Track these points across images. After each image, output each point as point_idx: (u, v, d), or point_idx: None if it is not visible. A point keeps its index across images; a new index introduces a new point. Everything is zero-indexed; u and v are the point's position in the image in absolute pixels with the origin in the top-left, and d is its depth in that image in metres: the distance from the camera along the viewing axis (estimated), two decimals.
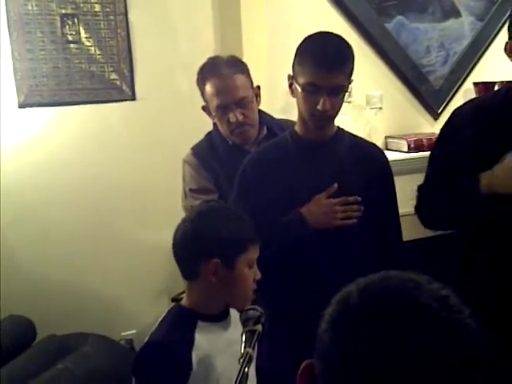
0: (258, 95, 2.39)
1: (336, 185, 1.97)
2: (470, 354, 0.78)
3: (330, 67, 1.88)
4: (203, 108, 2.40)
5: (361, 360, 0.78)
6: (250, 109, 2.32)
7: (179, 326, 1.65)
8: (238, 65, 2.36)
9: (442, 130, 2.23)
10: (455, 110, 2.23)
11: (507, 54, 2.04)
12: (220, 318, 1.71)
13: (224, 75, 2.30)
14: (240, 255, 1.65)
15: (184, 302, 1.71)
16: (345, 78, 1.93)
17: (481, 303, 2.04)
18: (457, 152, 2.07)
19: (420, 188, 2.22)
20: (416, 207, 2.22)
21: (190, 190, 2.39)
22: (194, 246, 1.65)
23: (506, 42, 2.03)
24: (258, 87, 2.40)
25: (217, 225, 1.65)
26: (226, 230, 1.64)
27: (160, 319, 1.70)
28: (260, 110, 2.43)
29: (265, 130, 2.40)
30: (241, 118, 2.28)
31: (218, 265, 1.62)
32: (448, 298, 0.82)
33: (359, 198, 1.98)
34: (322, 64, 1.87)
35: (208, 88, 2.32)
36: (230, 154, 2.34)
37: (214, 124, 2.41)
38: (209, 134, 2.47)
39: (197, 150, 2.44)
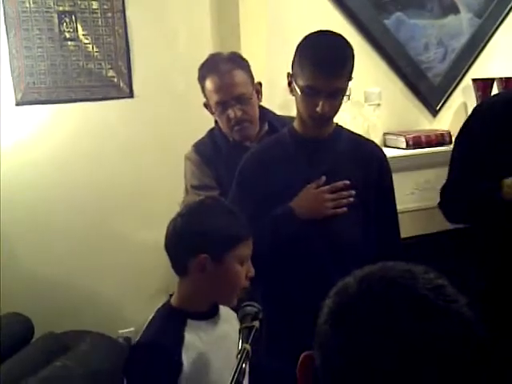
0: (259, 92, 2.39)
1: (324, 177, 1.97)
2: (465, 341, 0.80)
3: (330, 72, 1.87)
4: (205, 105, 2.41)
5: (361, 350, 0.79)
6: (249, 105, 2.32)
7: (168, 325, 1.65)
8: (237, 61, 2.36)
9: (465, 125, 2.22)
10: (478, 105, 2.22)
11: None
12: (209, 315, 1.71)
13: (223, 71, 2.30)
14: (229, 251, 1.64)
15: (173, 299, 1.71)
16: (344, 80, 1.93)
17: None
18: (481, 151, 2.07)
19: (444, 188, 2.25)
20: (439, 204, 2.27)
21: (192, 186, 2.40)
22: (183, 241, 1.66)
23: None
24: (260, 84, 2.40)
25: (206, 220, 1.65)
26: (215, 226, 1.64)
27: (149, 318, 1.70)
28: (262, 107, 2.43)
29: (266, 127, 2.40)
30: (240, 114, 2.29)
31: (206, 260, 1.62)
32: (444, 287, 0.83)
33: (348, 182, 1.97)
34: (322, 68, 1.86)
35: (208, 84, 2.33)
36: (231, 151, 2.34)
37: (216, 121, 2.41)
38: (211, 130, 2.47)
39: (198, 147, 2.45)
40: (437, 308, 0.80)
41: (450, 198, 2.22)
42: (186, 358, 1.59)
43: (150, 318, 1.71)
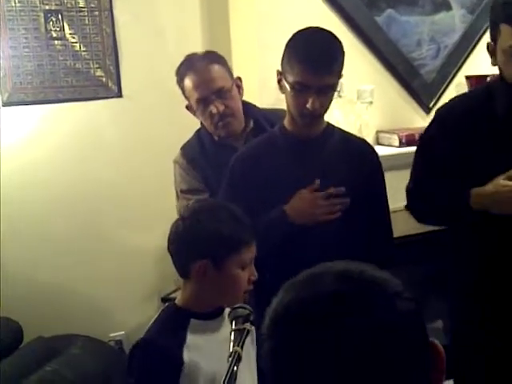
0: (239, 87, 2.39)
1: (318, 181, 1.95)
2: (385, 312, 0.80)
3: (319, 68, 1.86)
4: (187, 107, 2.41)
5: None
6: (230, 99, 2.32)
7: (171, 324, 1.67)
8: (212, 57, 2.38)
9: (427, 129, 2.22)
10: (439, 109, 2.23)
11: (489, 55, 2.05)
12: (214, 316, 1.71)
13: (200, 68, 2.32)
14: (231, 256, 1.64)
15: (178, 300, 1.73)
16: (334, 77, 1.92)
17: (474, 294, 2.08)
18: (443, 154, 2.07)
19: (409, 189, 2.23)
20: (406, 206, 2.25)
21: (181, 190, 2.40)
22: (184, 245, 1.67)
23: (488, 43, 2.04)
24: (239, 78, 2.41)
25: (208, 225, 1.65)
26: (217, 231, 1.63)
27: (154, 318, 1.71)
28: (245, 102, 2.43)
29: (251, 123, 2.40)
30: (222, 108, 2.28)
31: (207, 265, 1.62)
32: (348, 270, 0.85)
33: (343, 189, 1.95)
34: (311, 64, 1.85)
35: (186, 83, 2.34)
36: (216, 151, 2.34)
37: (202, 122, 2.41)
38: (198, 131, 2.47)
39: (186, 150, 2.45)
40: (352, 296, 0.80)
41: (415, 202, 2.20)
42: (188, 357, 1.60)
43: (155, 316, 1.72)
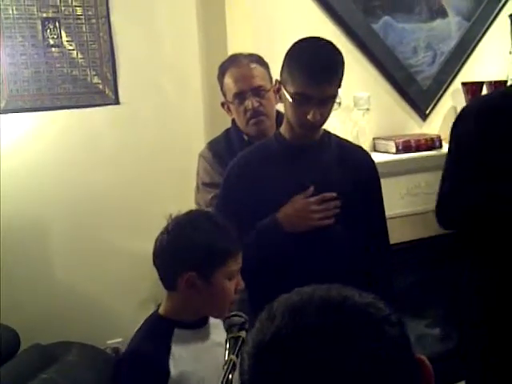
0: (275, 92, 2.39)
1: (312, 188, 1.94)
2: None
3: (321, 79, 1.85)
4: (222, 104, 2.48)
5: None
6: (266, 99, 2.38)
7: (155, 335, 1.65)
8: (256, 58, 2.46)
9: (452, 132, 2.19)
10: (463, 109, 2.20)
11: None
12: (198, 325, 1.70)
13: (243, 64, 2.41)
14: (218, 268, 1.63)
15: (161, 310, 1.71)
16: (335, 87, 1.91)
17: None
18: (482, 148, 2.04)
19: (442, 193, 2.19)
20: (437, 214, 2.19)
21: (203, 183, 2.45)
22: (171, 258, 1.65)
23: None
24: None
25: (193, 237, 1.63)
26: (203, 243, 1.62)
27: (137, 328, 1.71)
28: (279, 112, 2.43)
29: None
30: (256, 105, 2.34)
31: (194, 277, 1.61)
32: (330, 301, 0.80)
33: (334, 194, 1.94)
34: (313, 76, 1.84)
35: (227, 78, 2.41)
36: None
37: (233, 120, 2.46)
38: (227, 130, 2.53)
39: (212, 145, 2.51)
40: (335, 329, 0.76)
41: (450, 206, 2.16)
42: (173, 367, 1.60)
43: (138, 327, 1.71)
